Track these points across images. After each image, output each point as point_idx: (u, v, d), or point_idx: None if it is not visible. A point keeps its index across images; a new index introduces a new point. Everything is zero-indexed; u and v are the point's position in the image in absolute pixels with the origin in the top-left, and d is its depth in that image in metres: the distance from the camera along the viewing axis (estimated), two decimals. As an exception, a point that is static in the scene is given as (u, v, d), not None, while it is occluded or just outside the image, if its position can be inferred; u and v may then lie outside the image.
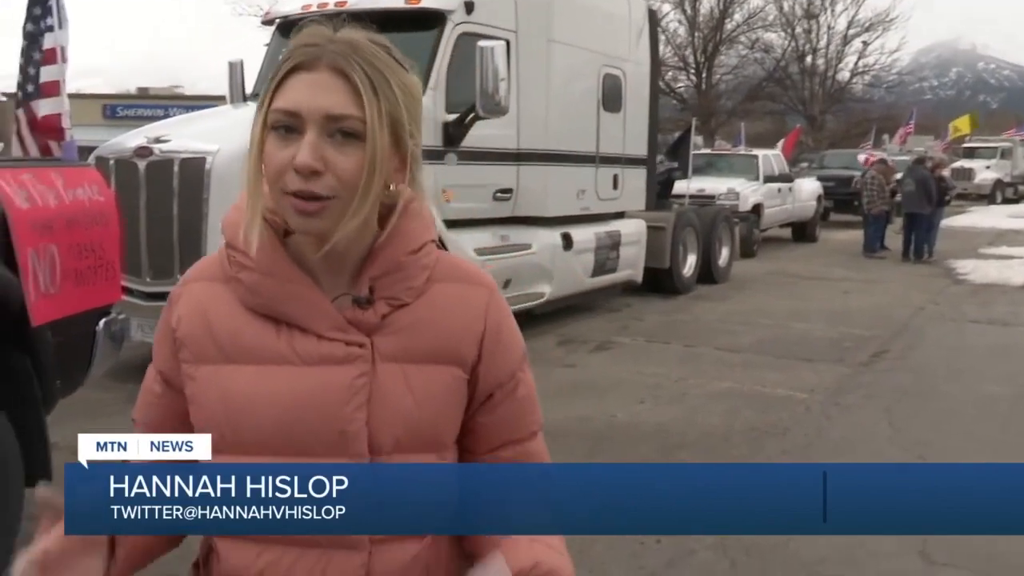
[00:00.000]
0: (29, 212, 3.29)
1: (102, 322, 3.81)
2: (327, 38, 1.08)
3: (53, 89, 3.84)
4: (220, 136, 5.98)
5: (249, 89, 8.13)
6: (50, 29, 3.83)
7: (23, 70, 3.96)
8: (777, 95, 39.01)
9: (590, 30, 8.63)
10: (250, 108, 7.47)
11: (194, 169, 5.76)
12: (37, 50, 3.92)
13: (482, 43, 6.85)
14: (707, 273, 11.66)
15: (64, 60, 3.87)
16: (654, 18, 10.33)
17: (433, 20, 7.23)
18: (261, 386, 1.12)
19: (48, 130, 3.91)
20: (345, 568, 1.12)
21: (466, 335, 1.18)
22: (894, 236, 15.99)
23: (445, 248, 1.24)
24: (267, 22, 8.43)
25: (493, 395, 1.21)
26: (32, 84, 3.93)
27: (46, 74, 3.86)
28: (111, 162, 5.91)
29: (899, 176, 16.73)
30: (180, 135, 6.03)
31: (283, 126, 1.06)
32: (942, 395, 6.34)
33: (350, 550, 1.12)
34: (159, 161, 5.82)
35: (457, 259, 1.26)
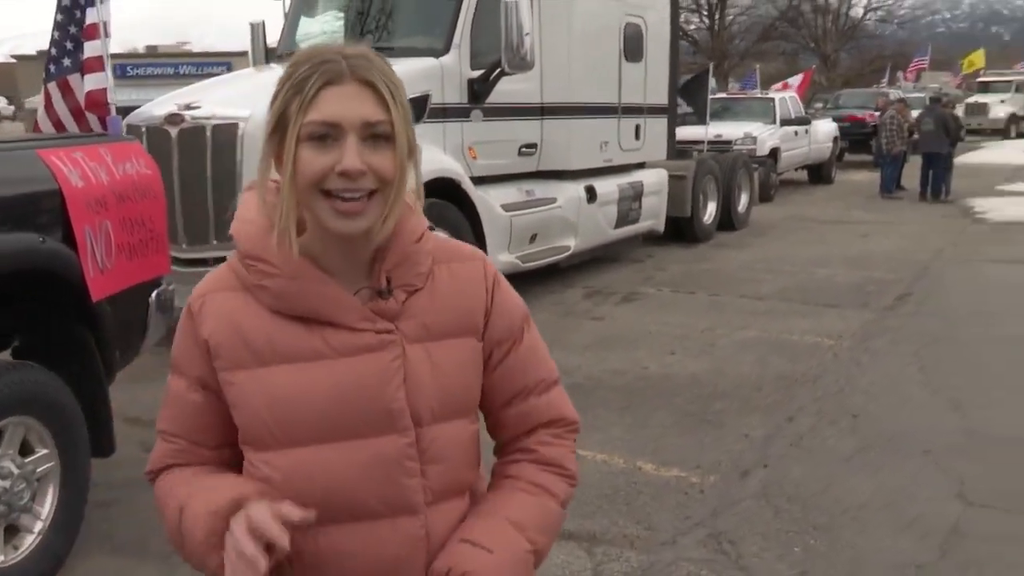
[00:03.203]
0: (83, 190, 3.37)
1: (154, 293, 3.90)
2: (342, 54, 1.18)
3: (97, 65, 3.84)
4: (251, 101, 6.00)
5: (273, 47, 8.14)
6: (91, 4, 3.83)
7: (58, 44, 3.98)
8: (790, 35, 38.41)
9: (610, -23, 8.54)
10: (276, 70, 7.50)
11: (227, 135, 5.79)
12: (73, 24, 3.93)
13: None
14: (727, 220, 11.67)
15: (107, 35, 3.87)
16: (673, -37, 10.17)
17: (455, -23, 7.17)
18: (303, 382, 1.22)
19: (94, 105, 3.94)
20: (409, 531, 1.25)
21: (475, 306, 1.32)
22: (910, 176, 15.91)
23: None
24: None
25: (493, 353, 1.34)
26: (70, 58, 3.94)
27: (89, 49, 3.85)
28: (143, 130, 5.95)
29: (915, 114, 16.60)
30: (211, 101, 6.05)
31: (319, 136, 1.15)
32: (968, 338, 6.40)
33: (412, 515, 1.25)
34: (191, 128, 5.85)
35: (445, 239, 1.37)
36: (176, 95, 6.35)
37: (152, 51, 45.19)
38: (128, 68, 40.59)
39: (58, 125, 4.11)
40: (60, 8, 3.97)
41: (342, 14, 8.06)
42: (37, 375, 3.14)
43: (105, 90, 3.88)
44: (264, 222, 1.23)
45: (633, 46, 9.08)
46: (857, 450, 4.36)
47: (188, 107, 5.95)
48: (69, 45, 3.94)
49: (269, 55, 8.34)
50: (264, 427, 1.23)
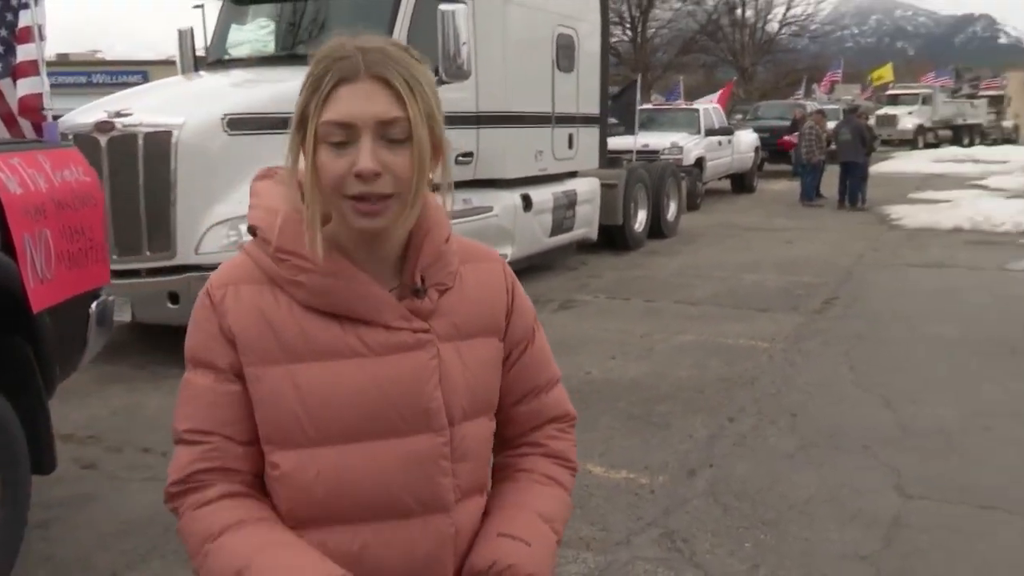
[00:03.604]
0: (22, 197, 3.25)
1: (94, 305, 3.79)
2: (358, 49, 1.15)
3: (31, 69, 3.73)
4: (184, 108, 5.88)
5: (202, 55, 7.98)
6: (24, 7, 3.71)
7: (-10, 49, 3.84)
8: (710, 48, 39.39)
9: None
10: (207, 78, 7.36)
11: (160, 143, 5.65)
12: (4, 27, 3.80)
13: (443, 6, 6.83)
14: (656, 228, 11.88)
15: (42, 38, 3.76)
16: (602, -25, 10.33)
17: (389, -17, 7.16)
18: (340, 380, 1.19)
19: (28, 111, 3.81)
20: (440, 528, 1.25)
21: (498, 306, 1.34)
22: (828, 184, 16.46)
23: None
24: (213, -12, 8.21)
25: (511, 354, 1.37)
26: (0, 63, 3.81)
27: (23, 53, 3.74)
28: (70, 137, 5.76)
29: (831, 125, 17.19)
30: (142, 108, 5.89)
31: (335, 136, 1.13)
32: (893, 338, 6.65)
33: (443, 513, 1.25)
34: (122, 136, 5.69)
35: (464, 239, 1.36)
36: (104, 102, 6.16)
37: (64, 59, 43.70)
38: (39, 76, 39.25)
39: (-12, 131, 3.95)
40: (-10, 12, 3.83)
41: (272, 22, 7.96)
42: (-27, 390, 3.01)
43: (41, 95, 3.77)
44: (294, 214, 1.20)
45: (566, 56, 9.19)
46: (798, 447, 4.49)
47: (119, 114, 5.78)
48: (0, 49, 3.80)
49: (198, 63, 8.17)
50: (297, 424, 1.19)
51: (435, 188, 1.26)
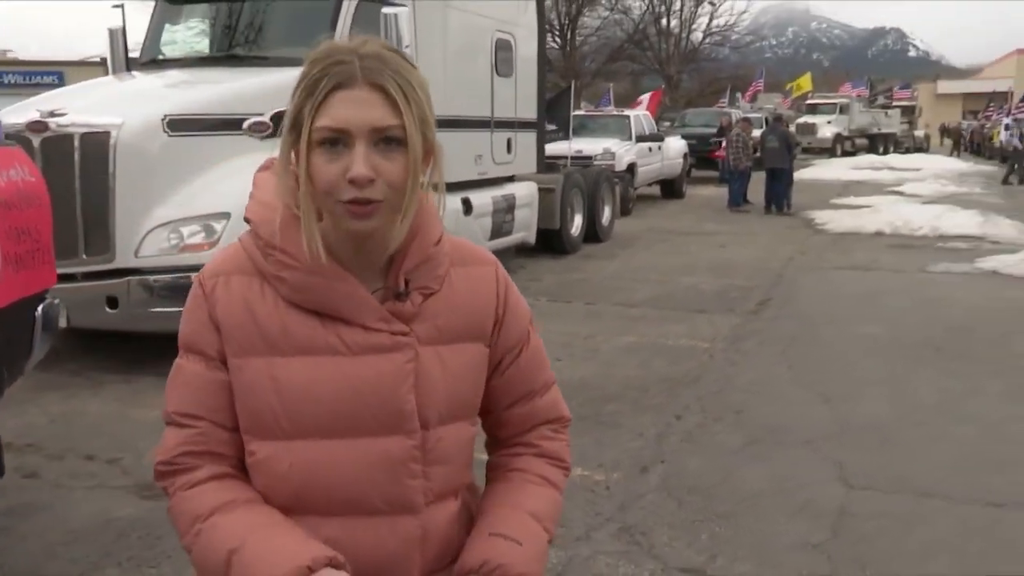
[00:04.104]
0: (-31, 196, 3.15)
1: (40, 308, 3.68)
2: (355, 53, 1.16)
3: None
4: (122, 108, 5.74)
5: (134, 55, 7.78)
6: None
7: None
8: (637, 56, 40.07)
9: (483, -5, 8.70)
10: (142, 78, 7.18)
11: (98, 144, 5.50)
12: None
13: (386, 9, 6.81)
14: (592, 232, 12.03)
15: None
16: (540, -18, 10.45)
17: (330, -14, 7.12)
18: (316, 376, 1.21)
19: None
20: (408, 530, 1.27)
21: (486, 312, 1.33)
22: (754, 191, 16.91)
23: None
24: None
25: (504, 359, 1.36)
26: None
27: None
28: None
29: (756, 133, 17.68)
30: (77, 108, 5.72)
31: (329, 141, 1.14)
32: (826, 338, 6.89)
33: (411, 514, 1.27)
34: (57, 136, 5.51)
35: (459, 240, 1.36)
36: (35, 101, 5.97)
37: (-28, 59, 41.96)
38: (-52, 77, 37.52)
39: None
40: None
41: (208, 23, 7.82)
42: (-78, 395, 2.90)
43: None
44: (284, 209, 1.21)
45: (504, 61, 9.26)
46: (745, 443, 4.62)
47: (52, 114, 5.60)
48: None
49: (130, 63, 7.96)
50: (272, 416, 1.22)
51: (435, 187, 1.27)
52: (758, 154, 16.83)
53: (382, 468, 1.24)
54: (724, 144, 18.35)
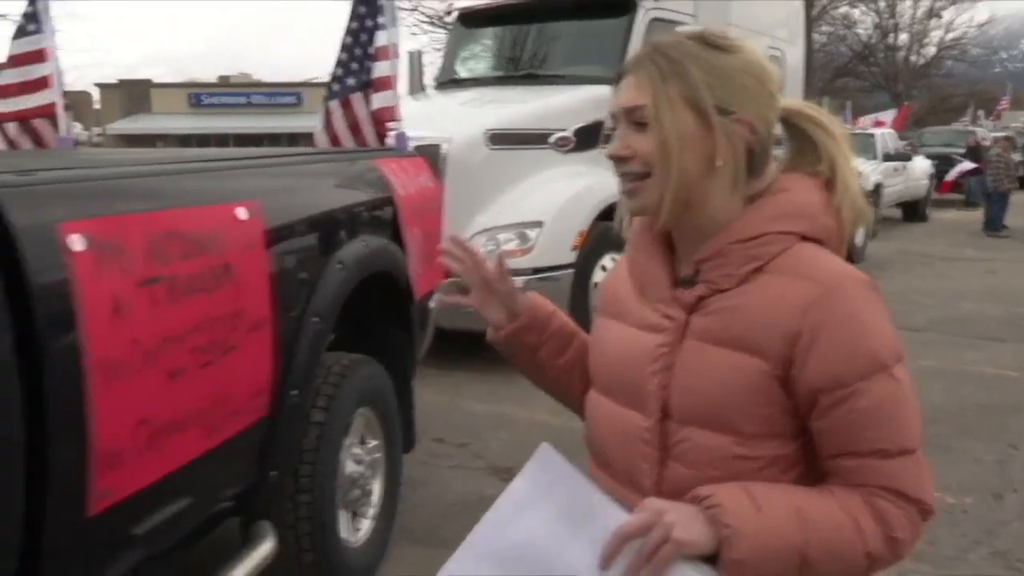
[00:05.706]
0: (406, 198, 3.57)
1: (431, 302, 4.08)
2: (650, 45, 1.28)
3: (387, 84, 4.07)
4: (445, 124, 6.23)
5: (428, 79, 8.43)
6: (381, 28, 4.06)
7: (344, 65, 4.21)
8: (862, 73, 38.35)
9: (760, 13, 8.72)
10: (448, 96, 7.74)
11: (430, 156, 6.00)
12: (359, 46, 4.15)
13: (681, 30, 6.98)
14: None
15: (396, 56, 4.10)
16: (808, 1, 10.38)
17: (623, 7, 7.39)
18: (607, 337, 1.39)
19: (381, 122, 4.16)
20: (635, 505, 1.18)
21: (773, 330, 1.18)
22: (1013, 215, 15.75)
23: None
24: (448, 13, 8.65)
25: (818, 400, 1.17)
26: (354, 78, 4.17)
27: (379, 70, 4.09)
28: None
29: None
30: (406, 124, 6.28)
31: (613, 125, 1.29)
32: None
33: (638, 494, 1.24)
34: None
35: (818, 256, 1.22)
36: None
37: (225, 81, 46.33)
38: (203, 97, 41.61)
39: (335, 140, 4.33)
40: (348, 31, 4.20)
41: (500, 44, 8.31)
42: (376, 369, 3.30)
43: (393, 108, 4.09)
44: None
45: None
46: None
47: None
48: (354, 66, 4.15)
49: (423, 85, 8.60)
50: (591, 367, 1.43)
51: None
52: (1022, 175, 15.66)
53: (623, 437, 1.31)
54: (961, 168, 17.24)
